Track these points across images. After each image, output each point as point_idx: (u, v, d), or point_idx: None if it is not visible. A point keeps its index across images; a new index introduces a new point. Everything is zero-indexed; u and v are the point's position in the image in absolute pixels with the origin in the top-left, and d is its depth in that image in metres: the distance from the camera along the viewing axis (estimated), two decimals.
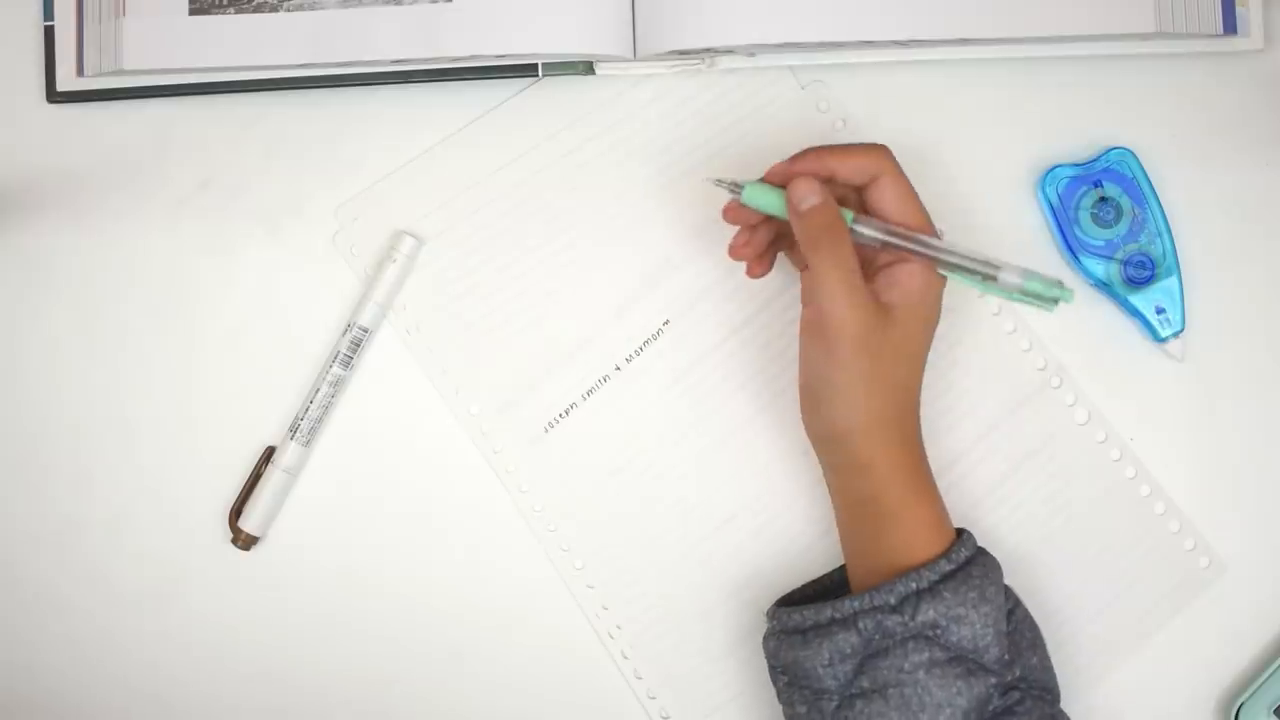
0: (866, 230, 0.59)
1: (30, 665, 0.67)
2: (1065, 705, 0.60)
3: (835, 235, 0.59)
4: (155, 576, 0.68)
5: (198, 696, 0.68)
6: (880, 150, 0.60)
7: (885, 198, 0.60)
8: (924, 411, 0.62)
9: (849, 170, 0.60)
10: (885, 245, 0.59)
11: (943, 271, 0.60)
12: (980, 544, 0.61)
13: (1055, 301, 0.59)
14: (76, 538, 0.68)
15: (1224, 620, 0.67)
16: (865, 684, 0.57)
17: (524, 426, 0.68)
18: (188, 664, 0.68)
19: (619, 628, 0.67)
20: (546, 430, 0.68)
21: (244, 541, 0.67)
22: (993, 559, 0.60)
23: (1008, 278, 0.59)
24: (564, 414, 0.68)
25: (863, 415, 0.59)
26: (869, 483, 0.59)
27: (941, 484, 0.61)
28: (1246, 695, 0.66)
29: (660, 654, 0.67)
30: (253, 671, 0.68)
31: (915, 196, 0.60)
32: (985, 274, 0.59)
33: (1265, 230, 0.69)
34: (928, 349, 0.61)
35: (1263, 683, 0.66)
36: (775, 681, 0.61)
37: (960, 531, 0.60)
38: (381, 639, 0.68)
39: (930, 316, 0.60)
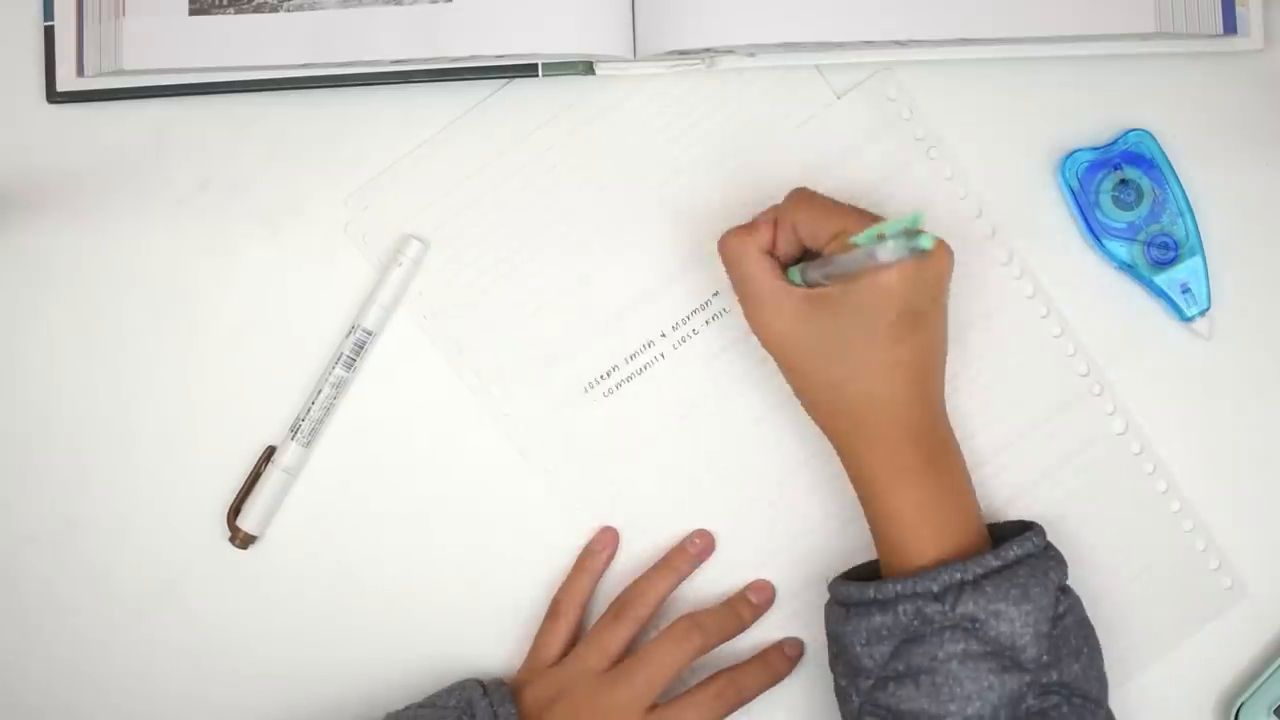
0: (812, 275, 0.59)
1: (28, 662, 0.67)
2: None
3: (731, 261, 0.61)
4: (154, 574, 0.68)
5: (194, 693, 0.68)
6: (783, 203, 0.61)
7: (801, 226, 0.60)
8: (960, 410, 0.62)
9: (781, 239, 0.61)
10: (822, 281, 0.59)
11: (835, 268, 0.57)
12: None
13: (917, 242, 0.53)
14: (75, 536, 0.68)
15: (1224, 620, 0.67)
16: (900, 667, 0.57)
17: (560, 393, 0.68)
18: (185, 661, 0.68)
19: None
20: (586, 391, 0.68)
21: (241, 540, 0.67)
22: (1054, 559, 0.59)
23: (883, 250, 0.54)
24: (613, 386, 0.68)
25: (833, 418, 0.60)
26: (869, 485, 0.60)
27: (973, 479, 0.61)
28: (1246, 695, 0.66)
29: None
30: (248, 668, 0.68)
31: (821, 203, 0.61)
32: (868, 251, 0.55)
33: (1265, 230, 0.69)
34: (901, 333, 0.58)
35: (1263, 683, 0.66)
36: (829, 648, 0.62)
37: (1027, 526, 0.60)
38: (380, 638, 0.68)
39: (876, 306, 0.57)
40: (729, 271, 0.62)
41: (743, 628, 0.66)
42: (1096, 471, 0.67)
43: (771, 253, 0.61)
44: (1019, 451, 0.67)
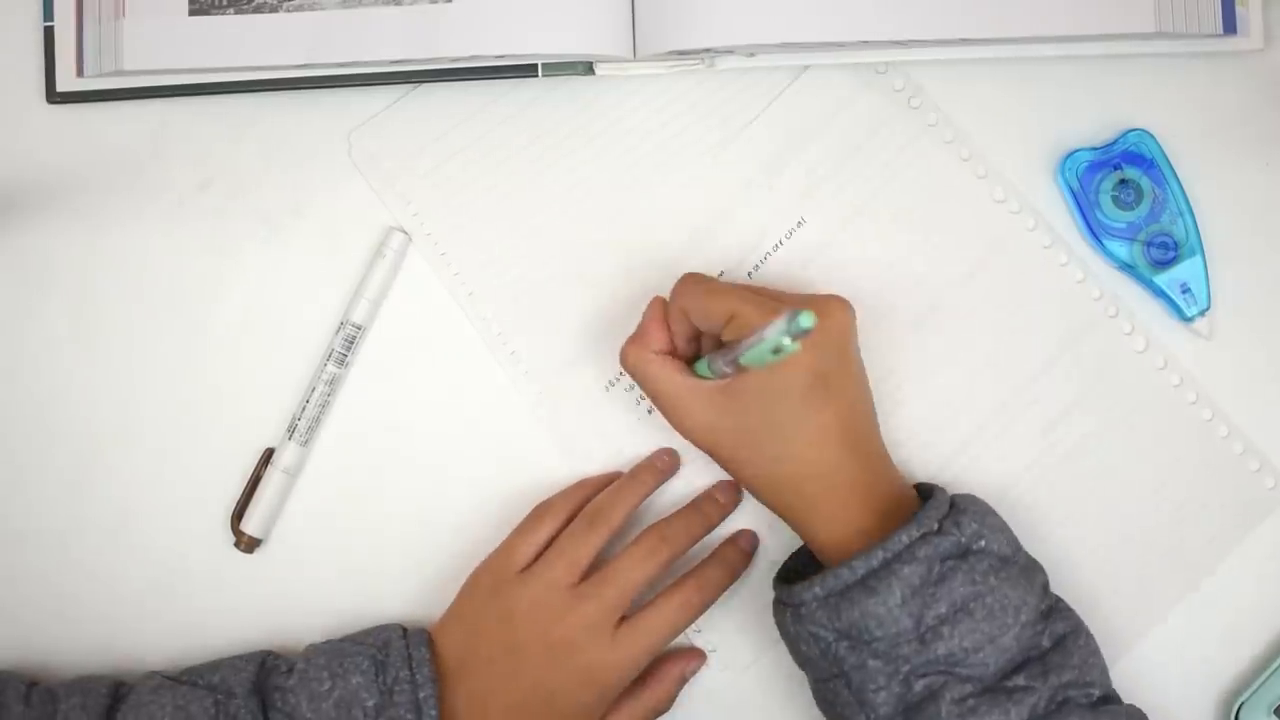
0: (720, 366, 0.58)
1: (33, 671, 0.67)
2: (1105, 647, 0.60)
3: (634, 372, 0.62)
4: (158, 581, 0.68)
5: None
6: (671, 293, 0.62)
7: (693, 312, 0.61)
8: (977, 348, 0.66)
9: (702, 320, 0.61)
10: (729, 371, 0.58)
11: (744, 360, 0.54)
12: (1042, 478, 0.65)
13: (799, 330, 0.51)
14: (76, 536, 0.68)
15: (1224, 619, 0.67)
16: (942, 610, 0.56)
17: (583, 394, 0.68)
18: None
19: None
20: (608, 389, 0.68)
21: (246, 544, 0.67)
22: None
23: (772, 331, 0.51)
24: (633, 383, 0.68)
25: (777, 497, 0.60)
26: (829, 554, 0.60)
27: (1000, 420, 0.62)
28: (1246, 695, 0.66)
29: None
30: None
31: (707, 287, 0.61)
32: (761, 340, 0.52)
33: (1265, 230, 0.69)
34: (818, 402, 0.59)
35: (1263, 683, 0.66)
36: (826, 653, 0.58)
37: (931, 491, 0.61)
38: None
39: (785, 383, 0.58)
40: (638, 383, 0.63)
41: (710, 527, 0.66)
42: (1122, 392, 0.67)
43: (672, 351, 0.62)
44: (1045, 384, 0.67)
